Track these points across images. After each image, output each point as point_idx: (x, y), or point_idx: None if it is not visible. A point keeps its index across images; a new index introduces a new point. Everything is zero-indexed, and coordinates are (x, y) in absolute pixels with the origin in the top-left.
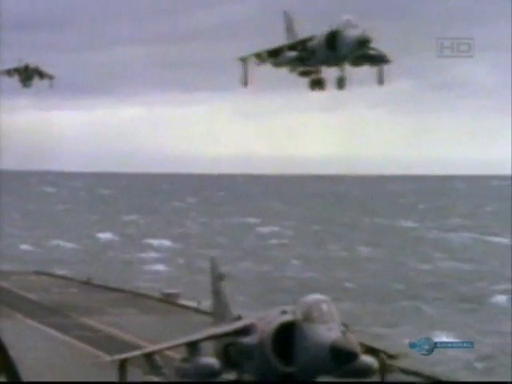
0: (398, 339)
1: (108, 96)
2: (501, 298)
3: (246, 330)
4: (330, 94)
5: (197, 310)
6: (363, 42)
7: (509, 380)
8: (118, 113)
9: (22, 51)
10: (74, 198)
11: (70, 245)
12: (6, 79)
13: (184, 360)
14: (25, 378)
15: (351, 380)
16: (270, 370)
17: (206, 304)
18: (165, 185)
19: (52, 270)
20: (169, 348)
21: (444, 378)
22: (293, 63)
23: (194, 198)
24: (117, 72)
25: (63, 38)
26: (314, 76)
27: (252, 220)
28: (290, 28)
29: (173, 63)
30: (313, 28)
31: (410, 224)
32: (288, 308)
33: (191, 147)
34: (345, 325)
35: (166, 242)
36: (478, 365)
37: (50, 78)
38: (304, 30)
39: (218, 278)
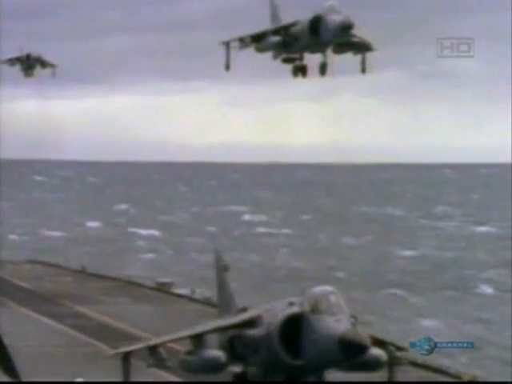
0: (385, 326)
1: (99, 85)
2: (485, 287)
3: (252, 322)
4: (319, 83)
5: (191, 299)
6: (346, 28)
7: (509, 380)
8: (109, 102)
9: (13, 40)
10: (63, 187)
11: (58, 233)
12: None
13: (189, 353)
14: (19, 366)
15: (359, 373)
16: (277, 362)
17: (200, 293)
18: (155, 173)
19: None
20: (173, 340)
21: (452, 371)
22: (276, 48)
23: (184, 187)
24: (107, 61)
25: (53, 27)
26: (297, 63)
27: (241, 208)
28: (274, 14)
29: (164, 52)
30: (298, 15)
31: (397, 212)
32: (295, 300)
33: (183, 136)
34: (354, 317)
35: (156, 232)
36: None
37: (53, 66)
38: (289, 17)
39: (222, 269)
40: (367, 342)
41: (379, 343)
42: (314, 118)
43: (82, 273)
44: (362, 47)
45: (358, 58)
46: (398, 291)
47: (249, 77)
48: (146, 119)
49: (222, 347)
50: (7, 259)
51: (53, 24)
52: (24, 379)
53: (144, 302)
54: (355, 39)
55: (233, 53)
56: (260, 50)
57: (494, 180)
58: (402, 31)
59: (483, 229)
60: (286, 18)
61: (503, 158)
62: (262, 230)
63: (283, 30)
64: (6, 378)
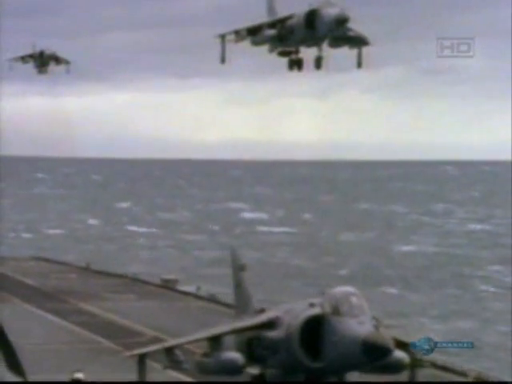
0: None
1: (100, 82)
2: (481, 283)
3: (271, 324)
4: (320, 79)
5: (196, 296)
6: (341, 21)
7: (509, 380)
8: (109, 99)
9: (16, 37)
10: (65, 184)
11: (58, 231)
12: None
13: (205, 354)
14: (23, 362)
15: (381, 376)
16: (297, 364)
17: (205, 290)
18: (157, 171)
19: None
20: (190, 342)
21: (473, 373)
22: (271, 41)
23: (185, 184)
24: (108, 58)
25: (55, 24)
26: (293, 56)
27: (242, 206)
28: (271, 8)
29: (164, 49)
30: (295, 9)
31: (397, 209)
32: (315, 301)
33: (182, 133)
34: (376, 318)
35: (156, 230)
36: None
37: (67, 63)
38: (286, 11)
39: (238, 268)
40: (391, 344)
41: (401, 345)
42: (314, 115)
43: (86, 270)
44: (357, 41)
45: (362, 55)
46: (399, 287)
47: (249, 73)
48: (145, 116)
49: (239, 349)
50: (12, 256)
51: (52, 21)
52: (28, 375)
53: (149, 299)
54: (351, 33)
55: (233, 49)
56: (256, 43)
57: (495, 177)
58: (402, 27)
59: (480, 226)
60: (282, 12)
61: (506, 155)
62: (262, 227)
63: (279, 24)
64: (10, 375)
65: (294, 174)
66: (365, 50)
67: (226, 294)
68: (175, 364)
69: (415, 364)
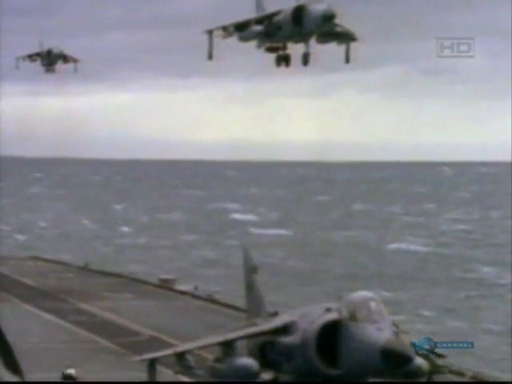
0: None
1: (100, 82)
2: (471, 282)
3: (286, 329)
4: (318, 79)
5: (193, 296)
6: (328, 17)
7: (509, 380)
8: (110, 99)
9: (16, 36)
10: (63, 185)
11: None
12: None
13: (218, 360)
14: (22, 362)
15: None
16: (312, 371)
17: (203, 289)
18: (154, 171)
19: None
20: (202, 347)
21: (490, 379)
22: (259, 37)
23: (182, 185)
24: (109, 57)
25: (54, 24)
26: (280, 52)
27: (236, 206)
28: (259, 4)
29: (164, 48)
30: (283, 5)
31: (390, 210)
32: (332, 305)
33: (182, 133)
34: (396, 324)
35: (150, 230)
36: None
37: (75, 61)
38: (274, 7)
39: (251, 270)
40: (411, 352)
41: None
42: (311, 115)
43: (84, 269)
44: (345, 37)
45: (359, 56)
46: (394, 287)
47: (245, 73)
48: (143, 116)
49: (251, 353)
50: (10, 255)
51: (52, 21)
52: (26, 376)
53: (147, 299)
54: (339, 29)
55: (232, 48)
56: (243, 39)
57: (490, 178)
58: (401, 27)
59: (462, 227)
60: (270, 8)
61: (504, 156)
62: (257, 227)
63: (266, 20)
64: (8, 375)
65: (290, 175)
66: (353, 45)
67: (223, 293)
68: (186, 369)
69: (434, 370)
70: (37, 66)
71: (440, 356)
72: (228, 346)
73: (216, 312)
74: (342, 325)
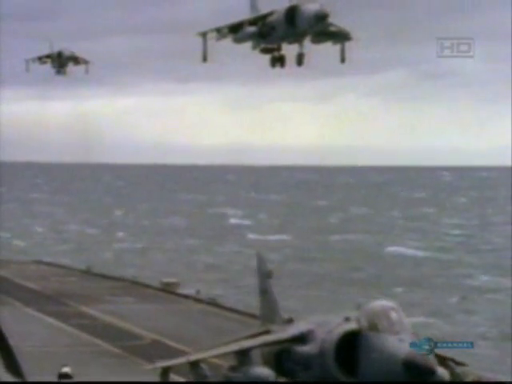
0: None
1: (101, 86)
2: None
3: (303, 338)
4: (321, 83)
5: (196, 299)
6: (321, 17)
7: (509, 380)
8: (110, 104)
9: (15, 41)
10: (62, 190)
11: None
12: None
13: (233, 369)
14: (23, 366)
15: None
16: (331, 381)
17: (205, 293)
18: (154, 175)
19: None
20: (217, 356)
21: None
22: (253, 39)
23: (182, 190)
24: (108, 62)
25: (54, 29)
26: (275, 53)
27: (235, 212)
28: (253, 5)
29: (165, 53)
30: (277, 5)
31: (394, 214)
32: (351, 315)
33: (183, 138)
34: (416, 335)
35: (150, 235)
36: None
37: (86, 63)
38: (268, 7)
39: (265, 275)
40: (434, 365)
41: (439, 359)
42: (312, 120)
43: (87, 273)
44: (340, 36)
45: (359, 61)
46: (393, 291)
47: (246, 78)
48: (144, 121)
49: (266, 361)
50: (12, 259)
51: (52, 26)
52: (28, 379)
53: (149, 302)
54: (333, 28)
55: (227, 50)
56: (237, 40)
57: (490, 183)
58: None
59: (461, 231)
60: (265, 9)
61: (504, 160)
62: (256, 235)
63: (260, 20)
64: (9, 376)
65: (290, 179)
66: (347, 44)
67: (225, 297)
68: (201, 378)
69: (454, 378)
70: (47, 68)
71: (460, 364)
72: (243, 355)
73: (218, 316)
74: (362, 335)
